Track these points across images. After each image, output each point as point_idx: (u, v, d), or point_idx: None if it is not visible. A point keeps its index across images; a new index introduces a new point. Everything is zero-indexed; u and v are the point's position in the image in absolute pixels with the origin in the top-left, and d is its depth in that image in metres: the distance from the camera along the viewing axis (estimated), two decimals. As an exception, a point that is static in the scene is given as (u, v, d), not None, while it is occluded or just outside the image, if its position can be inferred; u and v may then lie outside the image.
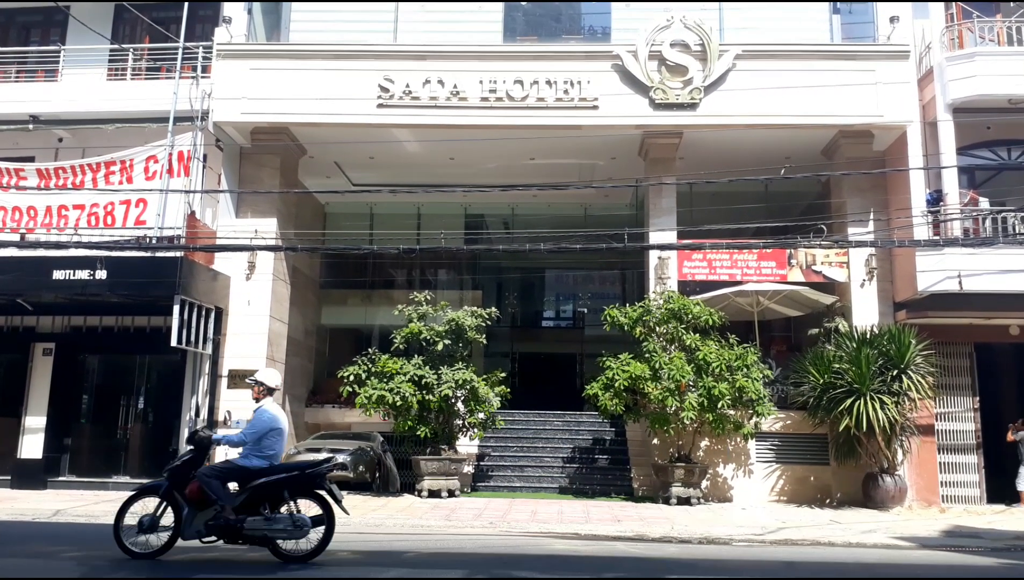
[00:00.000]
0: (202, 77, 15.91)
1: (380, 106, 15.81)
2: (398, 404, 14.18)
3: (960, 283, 14.31)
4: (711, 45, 15.67)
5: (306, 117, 16.04)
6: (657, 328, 15.03)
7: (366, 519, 11.59)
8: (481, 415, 15.04)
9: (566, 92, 15.76)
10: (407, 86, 15.79)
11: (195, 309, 14.50)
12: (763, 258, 16.12)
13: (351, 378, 14.68)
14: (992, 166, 16.23)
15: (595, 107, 15.77)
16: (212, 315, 15.17)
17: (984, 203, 15.36)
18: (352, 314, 21.12)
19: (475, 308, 15.64)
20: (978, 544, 10.58)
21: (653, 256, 16.24)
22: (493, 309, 15.84)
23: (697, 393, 14.17)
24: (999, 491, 15.09)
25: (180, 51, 15.73)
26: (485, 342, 15.92)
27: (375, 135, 16.37)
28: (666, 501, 14.07)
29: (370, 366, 14.75)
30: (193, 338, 14.47)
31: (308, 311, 19.18)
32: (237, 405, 15.36)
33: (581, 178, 18.61)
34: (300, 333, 18.33)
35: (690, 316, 14.79)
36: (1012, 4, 16.31)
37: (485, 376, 15.22)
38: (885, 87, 15.51)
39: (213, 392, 15.48)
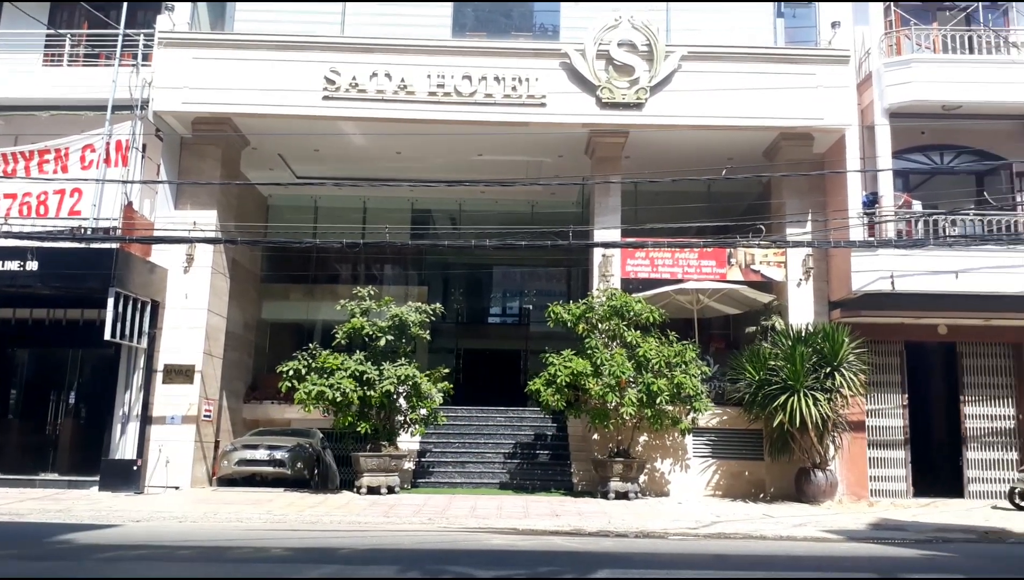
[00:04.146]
0: (143, 65, 15.53)
1: (326, 98, 15.63)
2: (338, 400, 14.06)
3: (892, 283, 14.72)
4: (657, 46, 15.83)
5: (250, 108, 15.74)
6: (599, 325, 15.17)
7: (302, 516, 11.49)
8: (423, 411, 14.96)
9: (514, 89, 15.77)
10: (353, 79, 15.63)
11: (130, 302, 14.17)
12: (704, 257, 16.36)
13: (291, 373, 14.46)
14: (925, 170, 16.78)
15: (543, 105, 15.81)
16: (148, 308, 14.83)
17: (917, 206, 15.81)
18: (294, 309, 20.83)
19: (419, 304, 15.56)
20: (902, 536, 10.92)
21: (597, 254, 16.37)
22: (438, 305, 15.79)
23: (637, 389, 14.35)
24: (925, 485, 15.62)
25: (120, 38, 15.34)
26: (429, 338, 15.84)
27: (320, 127, 16.22)
28: (604, 496, 14.21)
29: (310, 361, 14.57)
30: (128, 332, 14.14)
31: (248, 305, 18.86)
32: (172, 401, 15.10)
33: (528, 175, 18.62)
34: (239, 327, 18.01)
35: (632, 313, 14.94)
36: (948, 13, 16.82)
37: (428, 372, 15.18)
38: (826, 91, 15.86)
39: (148, 387, 15.11)
